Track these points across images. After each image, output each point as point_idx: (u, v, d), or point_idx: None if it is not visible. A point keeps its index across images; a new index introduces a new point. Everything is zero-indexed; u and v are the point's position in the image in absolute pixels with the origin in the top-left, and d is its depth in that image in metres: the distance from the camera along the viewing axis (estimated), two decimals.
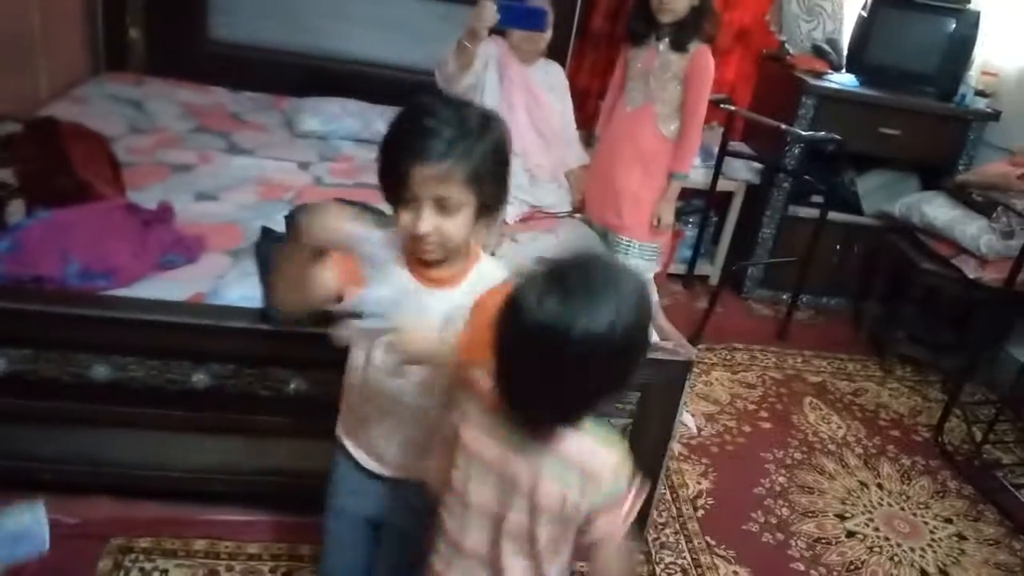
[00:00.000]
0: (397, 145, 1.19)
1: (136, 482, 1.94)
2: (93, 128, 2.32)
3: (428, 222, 1.17)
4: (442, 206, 1.17)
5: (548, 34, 2.64)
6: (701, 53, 2.45)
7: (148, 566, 1.86)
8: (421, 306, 1.22)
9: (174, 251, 1.95)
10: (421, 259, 1.24)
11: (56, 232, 1.80)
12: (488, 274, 1.29)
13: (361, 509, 1.41)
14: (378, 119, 3.10)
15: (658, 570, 2.13)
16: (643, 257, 2.66)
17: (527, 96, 2.69)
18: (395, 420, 1.32)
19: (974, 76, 3.57)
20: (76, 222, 1.85)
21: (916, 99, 3.50)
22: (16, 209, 1.93)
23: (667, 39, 2.45)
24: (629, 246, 2.64)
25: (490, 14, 2.30)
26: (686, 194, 3.68)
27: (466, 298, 1.23)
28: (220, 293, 1.84)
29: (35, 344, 1.73)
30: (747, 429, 2.80)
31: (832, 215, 3.40)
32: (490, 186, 1.20)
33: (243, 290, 1.84)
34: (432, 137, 1.15)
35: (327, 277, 1.23)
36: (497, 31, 2.43)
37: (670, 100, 2.49)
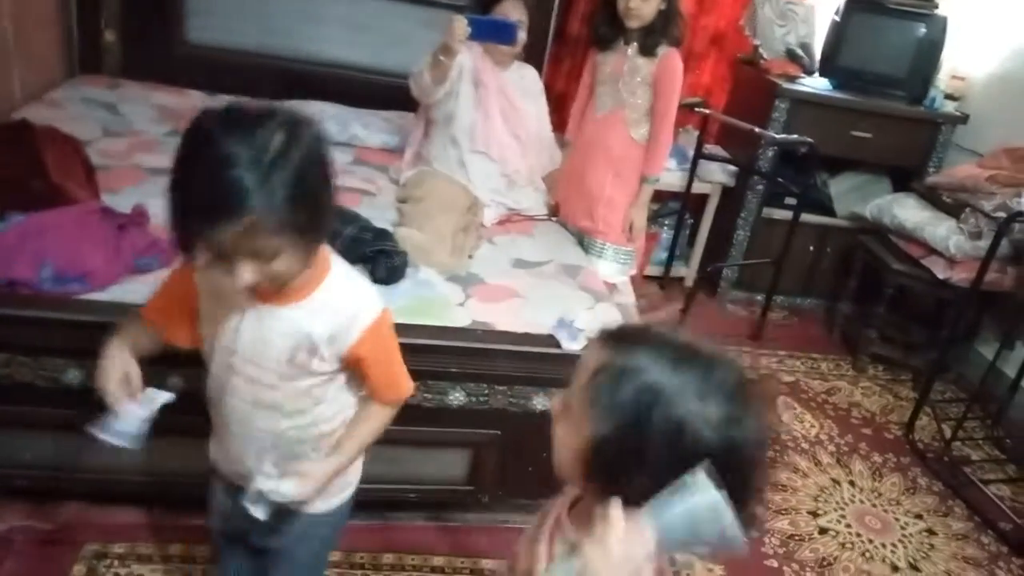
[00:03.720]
0: (183, 202, 1.03)
1: (111, 487, 1.93)
2: (67, 131, 2.30)
3: (247, 275, 1.05)
4: (257, 255, 1.04)
5: (517, 48, 2.66)
6: (669, 57, 2.48)
7: (123, 572, 1.85)
8: (259, 322, 1.19)
9: (149, 254, 1.94)
10: None
11: (30, 236, 1.79)
12: (339, 290, 1.21)
13: (235, 531, 1.40)
14: (355, 122, 3.11)
15: None
16: (618, 260, 2.68)
17: (502, 102, 2.70)
18: (254, 441, 1.29)
19: (943, 80, 3.64)
20: (50, 226, 1.84)
21: (887, 103, 3.56)
22: None
23: (635, 44, 2.48)
24: (603, 249, 2.66)
25: (461, 29, 2.33)
26: (662, 196, 3.72)
27: (313, 317, 1.18)
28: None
29: (8, 348, 1.72)
30: None
31: (805, 217, 3.46)
32: (309, 208, 1.05)
33: None
34: (223, 189, 0.98)
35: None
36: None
37: (640, 104, 2.52)
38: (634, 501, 0.83)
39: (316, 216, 1.08)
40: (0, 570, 1.81)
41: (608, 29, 2.50)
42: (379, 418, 1.33)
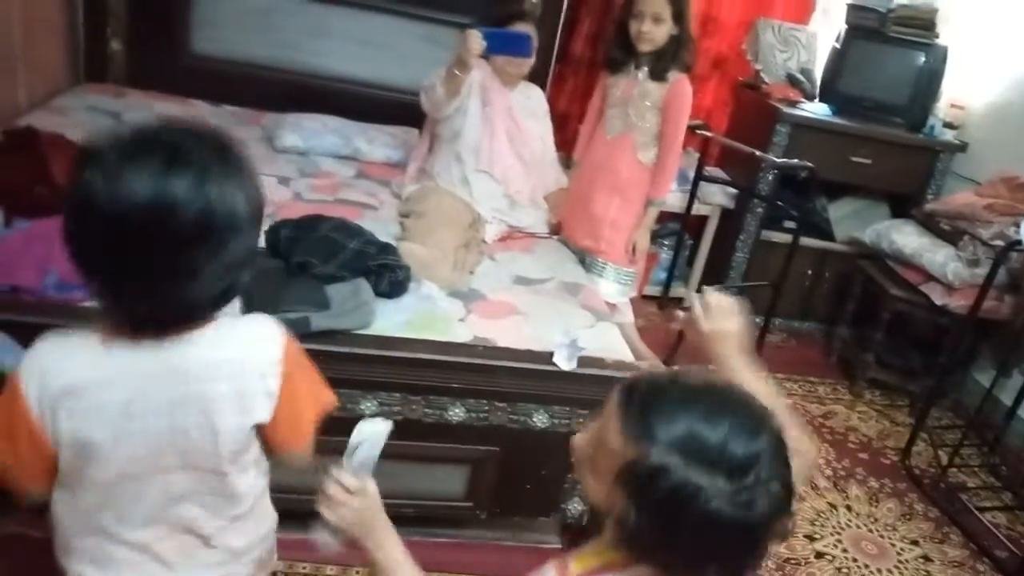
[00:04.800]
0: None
1: None
2: (73, 139, 2.31)
3: None
4: None
5: (532, 59, 2.68)
6: (680, 82, 2.50)
7: None
8: None
9: None
10: None
11: (35, 243, 1.80)
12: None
13: None
14: (358, 136, 3.12)
15: None
16: (619, 281, 2.69)
17: (508, 122, 2.72)
18: None
19: (942, 108, 3.68)
20: (55, 233, 1.82)
21: (886, 129, 3.59)
22: None
23: (646, 68, 2.50)
24: (604, 268, 2.67)
25: (476, 43, 2.35)
26: (662, 217, 3.73)
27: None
28: None
29: None
30: None
31: (804, 241, 3.47)
32: None
33: None
34: None
35: None
36: (482, 56, 2.47)
37: (648, 128, 2.54)
38: (670, 569, 0.89)
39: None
40: None
41: (620, 52, 2.52)
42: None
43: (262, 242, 1.99)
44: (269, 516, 1.26)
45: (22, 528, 1.90)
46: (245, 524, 1.18)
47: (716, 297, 1.18)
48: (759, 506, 0.84)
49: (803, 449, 1.08)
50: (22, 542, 1.87)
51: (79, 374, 1.01)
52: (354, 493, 1.06)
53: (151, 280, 0.95)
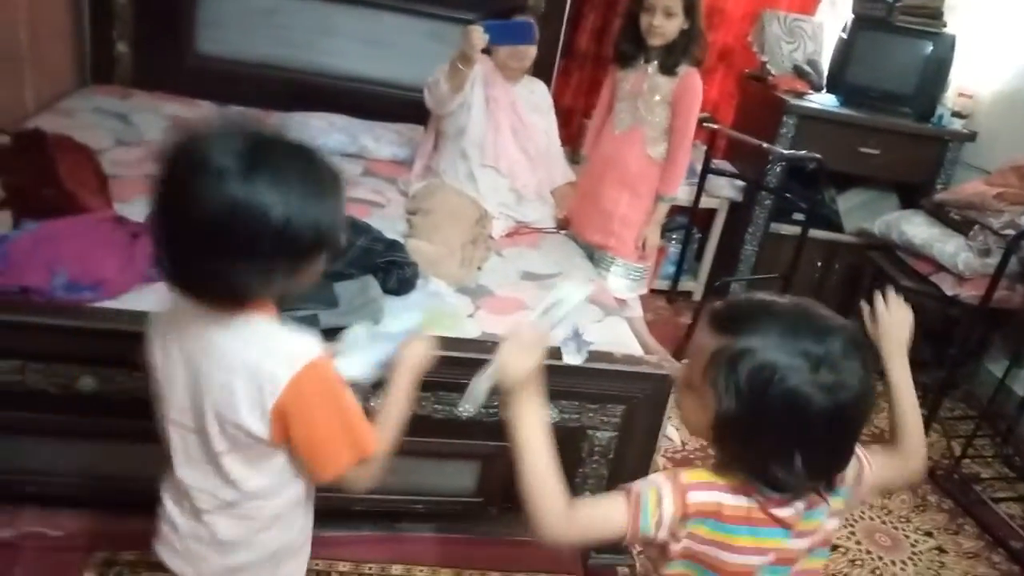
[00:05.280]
0: None
1: (121, 495, 1.92)
2: (80, 141, 2.32)
3: None
4: None
5: (534, 50, 2.68)
6: (690, 76, 2.48)
7: None
8: None
9: None
10: None
11: (43, 244, 1.80)
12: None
13: None
14: (365, 134, 3.12)
15: None
16: (628, 276, 2.68)
17: (512, 117, 2.72)
18: None
19: (951, 98, 3.65)
20: (63, 234, 1.85)
21: (895, 119, 3.57)
22: (3, 221, 1.93)
23: (655, 62, 2.48)
24: (614, 263, 2.66)
25: (478, 37, 2.34)
26: (670, 211, 3.72)
27: None
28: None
29: (21, 355, 1.72)
30: None
31: (813, 232, 3.45)
32: None
33: None
34: None
35: None
36: (484, 50, 2.46)
37: (658, 123, 2.53)
38: (762, 463, 0.98)
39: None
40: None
41: (630, 46, 2.51)
42: None
43: None
44: (279, 539, 1.22)
45: (38, 527, 1.91)
46: (240, 520, 1.18)
47: (896, 302, 1.29)
48: (838, 394, 0.94)
49: (914, 454, 1.23)
50: (38, 540, 1.89)
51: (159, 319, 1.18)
52: (538, 346, 1.08)
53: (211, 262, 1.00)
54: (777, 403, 0.94)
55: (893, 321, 1.28)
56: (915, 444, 1.22)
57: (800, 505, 1.02)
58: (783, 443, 0.97)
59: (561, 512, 1.05)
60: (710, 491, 1.02)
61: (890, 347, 1.28)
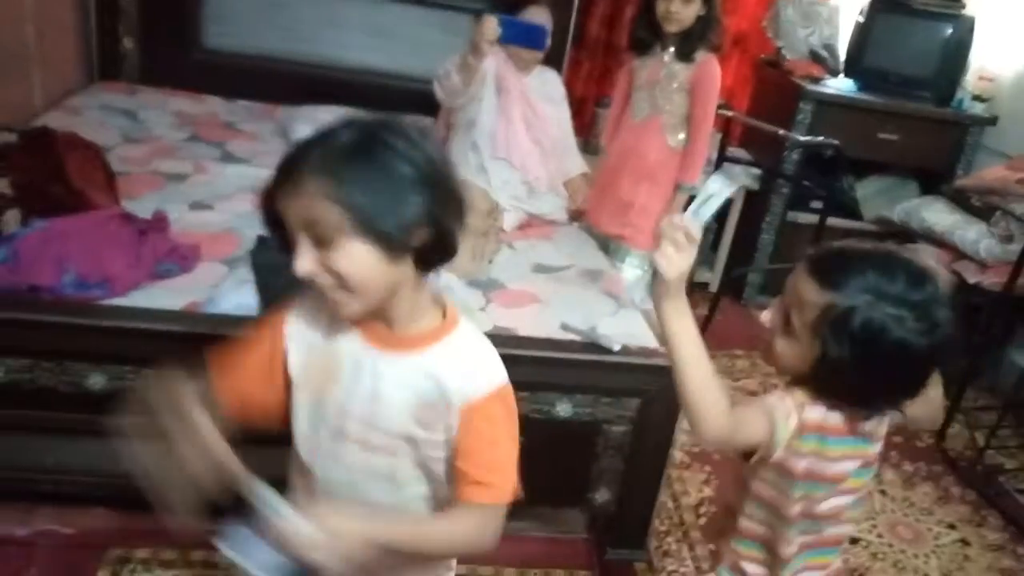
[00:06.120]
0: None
1: (134, 492, 1.91)
2: (87, 138, 2.30)
3: (305, 259, 0.94)
4: (315, 236, 0.94)
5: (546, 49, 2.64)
6: (708, 62, 2.44)
7: None
8: (376, 374, 1.04)
9: (169, 260, 1.93)
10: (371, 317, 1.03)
11: (52, 242, 1.79)
12: (465, 347, 1.07)
13: None
14: None
15: None
16: (643, 268, 2.64)
17: (524, 108, 2.68)
18: None
19: (971, 81, 3.58)
20: (72, 231, 1.83)
21: (914, 104, 3.50)
22: (11, 219, 1.92)
23: (672, 49, 2.44)
24: (628, 255, 2.63)
25: (492, 28, 2.31)
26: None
27: (434, 366, 1.03)
28: (215, 302, 1.83)
29: (31, 354, 1.72)
30: None
31: (831, 221, 3.39)
32: (381, 202, 0.93)
33: (239, 298, 1.83)
34: (289, 154, 0.96)
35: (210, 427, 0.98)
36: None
37: (676, 111, 2.49)
38: (864, 397, 1.14)
39: (395, 219, 0.94)
40: (25, 574, 1.80)
41: (646, 33, 2.47)
42: (460, 522, 1.04)
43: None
44: None
45: (52, 524, 1.91)
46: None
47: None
48: (935, 335, 1.06)
49: (933, 397, 1.26)
50: (52, 538, 1.89)
51: None
52: (691, 242, 1.10)
53: None
54: (884, 350, 1.06)
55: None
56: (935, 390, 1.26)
57: (877, 419, 1.19)
58: (886, 381, 1.11)
59: (724, 412, 1.12)
60: (817, 409, 1.15)
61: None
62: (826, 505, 1.22)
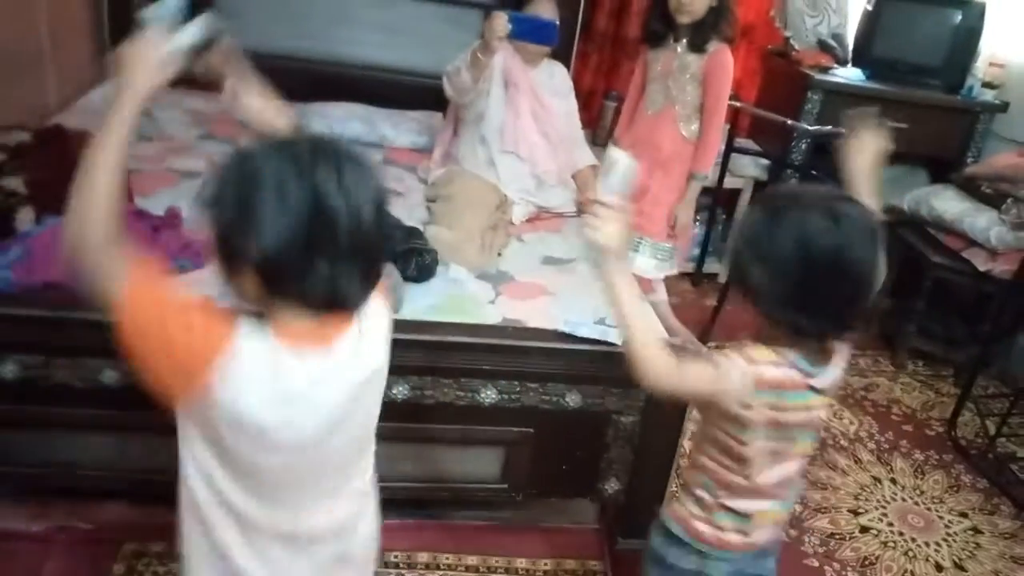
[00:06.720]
0: None
1: (149, 487, 1.94)
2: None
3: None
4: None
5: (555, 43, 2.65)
6: (720, 53, 2.45)
7: (161, 571, 1.86)
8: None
9: (183, 256, 1.95)
10: None
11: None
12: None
13: None
14: (384, 122, 3.11)
15: None
16: (656, 256, 2.65)
17: (532, 101, 2.69)
18: None
19: (981, 68, 3.55)
20: None
21: (923, 92, 3.49)
22: (26, 217, 1.94)
23: (685, 40, 2.45)
24: (641, 243, 2.63)
25: (502, 25, 2.32)
26: None
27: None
28: (228, 298, 1.85)
29: (46, 350, 1.74)
30: None
31: None
32: (228, 218, 1.02)
33: None
34: None
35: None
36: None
37: (690, 101, 2.50)
38: (793, 318, 1.22)
39: (238, 232, 1.00)
40: (41, 569, 1.83)
41: (659, 24, 2.48)
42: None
43: None
44: None
45: (68, 520, 1.94)
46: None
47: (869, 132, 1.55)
48: (842, 227, 1.17)
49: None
50: (69, 533, 1.91)
51: None
52: (616, 211, 1.21)
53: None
54: (796, 255, 1.17)
55: (862, 146, 1.51)
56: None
57: (827, 377, 1.27)
58: (814, 290, 1.19)
59: (665, 359, 1.21)
60: (777, 367, 1.23)
61: (855, 169, 1.52)
62: (777, 471, 1.31)
